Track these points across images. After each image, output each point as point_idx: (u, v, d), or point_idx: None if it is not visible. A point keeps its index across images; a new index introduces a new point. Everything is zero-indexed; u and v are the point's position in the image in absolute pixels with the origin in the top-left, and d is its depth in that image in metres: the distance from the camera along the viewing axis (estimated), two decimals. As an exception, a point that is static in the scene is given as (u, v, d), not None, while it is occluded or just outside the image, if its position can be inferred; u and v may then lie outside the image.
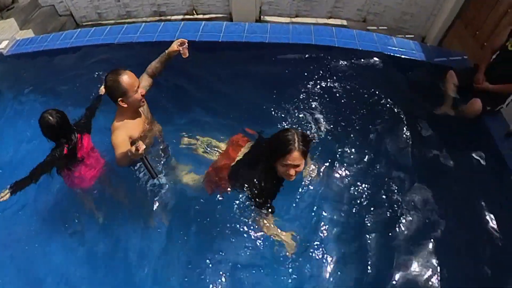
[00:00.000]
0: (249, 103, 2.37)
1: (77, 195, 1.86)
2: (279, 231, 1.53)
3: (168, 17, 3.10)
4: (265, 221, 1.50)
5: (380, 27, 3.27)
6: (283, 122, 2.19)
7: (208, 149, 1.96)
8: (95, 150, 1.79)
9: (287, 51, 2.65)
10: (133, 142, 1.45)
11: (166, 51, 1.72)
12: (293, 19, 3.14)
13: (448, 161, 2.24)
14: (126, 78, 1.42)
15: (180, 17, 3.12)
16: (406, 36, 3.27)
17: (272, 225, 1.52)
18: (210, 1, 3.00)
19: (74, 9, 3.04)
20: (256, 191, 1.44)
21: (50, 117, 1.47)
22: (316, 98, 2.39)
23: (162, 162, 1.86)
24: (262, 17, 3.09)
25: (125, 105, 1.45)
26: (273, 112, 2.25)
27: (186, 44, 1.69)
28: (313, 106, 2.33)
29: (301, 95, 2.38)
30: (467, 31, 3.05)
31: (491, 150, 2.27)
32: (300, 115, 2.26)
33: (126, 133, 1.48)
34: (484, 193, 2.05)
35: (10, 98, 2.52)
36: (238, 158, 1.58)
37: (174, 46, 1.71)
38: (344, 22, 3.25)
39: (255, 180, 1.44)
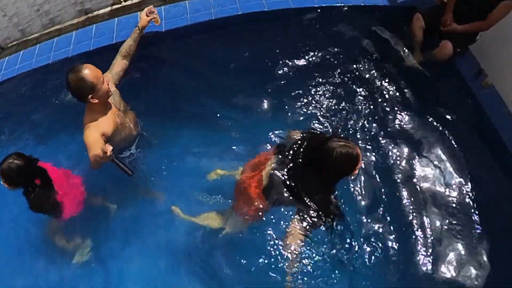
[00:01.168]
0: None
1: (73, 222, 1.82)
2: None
3: (95, 13, 2.75)
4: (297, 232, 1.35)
5: None
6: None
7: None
8: (67, 172, 1.74)
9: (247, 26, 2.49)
10: (106, 141, 1.45)
11: (138, 25, 1.74)
12: None
13: (424, 104, 2.29)
14: (88, 72, 1.36)
15: (108, 9, 2.77)
16: None
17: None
18: None
19: None
20: (322, 208, 1.32)
21: (15, 161, 1.41)
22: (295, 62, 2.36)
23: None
24: None
25: (96, 101, 1.41)
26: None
27: (155, 10, 1.73)
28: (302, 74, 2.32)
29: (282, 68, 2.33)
30: None
31: (464, 85, 2.31)
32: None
33: (97, 130, 1.45)
34: (460, 128, 2.15)
35: None
36: (264, 180, 1.41)
37: (144, 17, 1.74)
38: None
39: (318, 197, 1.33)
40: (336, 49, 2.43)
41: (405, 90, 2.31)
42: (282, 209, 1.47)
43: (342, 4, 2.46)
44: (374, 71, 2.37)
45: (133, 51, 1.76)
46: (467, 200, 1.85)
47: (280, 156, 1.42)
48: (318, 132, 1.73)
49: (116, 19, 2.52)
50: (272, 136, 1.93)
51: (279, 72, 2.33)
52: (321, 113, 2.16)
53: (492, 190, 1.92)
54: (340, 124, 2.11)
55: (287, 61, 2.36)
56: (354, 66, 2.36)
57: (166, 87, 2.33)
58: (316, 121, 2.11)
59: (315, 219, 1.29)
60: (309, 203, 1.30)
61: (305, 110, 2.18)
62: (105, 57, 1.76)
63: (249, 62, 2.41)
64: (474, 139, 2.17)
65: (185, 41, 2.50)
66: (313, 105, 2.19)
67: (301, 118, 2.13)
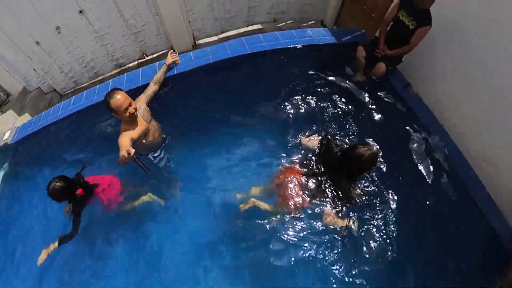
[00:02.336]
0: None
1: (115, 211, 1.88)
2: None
3: (127, 66, 3.02)
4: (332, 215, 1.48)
5: (287, 22, 3.23)
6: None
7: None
8: (111, 178, 1.82)
9: (232, 66, 2.56)
10: (133, 144, 1.54)
11: (165, 63, 2.04)
12: (220, 36, 3.08)
13: (367, 108, 2.39)
14: (115, 101, 1.49)
15: (135, 63, 3.03)
16: (309, 23, 3.24)
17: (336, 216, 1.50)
18: (154, 42, 2.90)
19: (55, 84, 2.94)
20: (348, 198, 1.46)
21: (57, 183, 1.50)
22: (270, 91, 2.43)
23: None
24: (196, 42, 3.02)
25: (118, 117, 1.57)
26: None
27: (177, 53, 2.04)
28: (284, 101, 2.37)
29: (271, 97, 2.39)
30: (356, 8, 2.99)
31: (396, 95, 2.46)
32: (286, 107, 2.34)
33: (127, 136, 1.54)
34: (395, 124, 2.30)
35: (24, 177, 2.43)
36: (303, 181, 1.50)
37: (169, 57, 2.05)
38: (260, 26, 3.19)
39: (345, 190, 1.46)
40: (307, 75, 2.55)
41: (355, 98, 2.44)
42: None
43: (314, 43, 2.60)
44: (334, 86, 2.50)
45: (162, 80, 1.94)
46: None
47: (308, 167, 1.54)
48: (330, 139, 1.69)
49: (141, 69, 2.64)
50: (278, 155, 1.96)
51: (279, 95, 2.41)
52: (308, 121, 2.23)
53: (419, 174, 2.06)
54: (324, 126, 2.21)
55: (278, 88, 2.44)
56: (322, 82, 2.51)
57: (188, 110, 2.38)
58: (308, 128, 2.18)
59: (343, 205, 1.46)
60: (338, 195, 1.45)
61: (298, 119, 2.26)
62: (134, 96, 1.81)
63: (250, 90, 2.50)
64: (406, 131, 2.31)
65: (191, 78, 2.54)
66: (301, 117, 2.27)
67: (297, 125, 2.21)
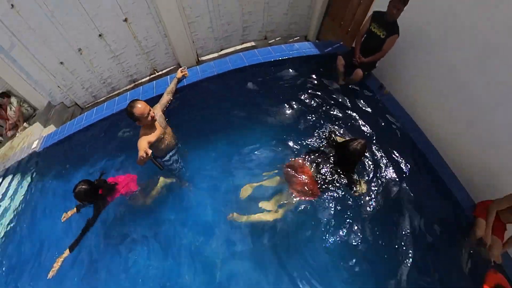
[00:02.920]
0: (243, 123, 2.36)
1: (130, 200, 1.88)
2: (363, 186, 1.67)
3: (139, 81, 3.12)
4: (359, 187, 1.62)
5: (276, 39, 3.42)
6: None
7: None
8: (129, 176, 1.86)
9: (233, 77, 2.63)
10: (150, 146, 1.58)
11: (176, 76, 2.13)
12: (220, 53, 3.24)
13: (347, 106, 2.53)
14: (137, 109, 1.54)
15: (147, 78, 3.13)
16: (294, 38, 3.41)
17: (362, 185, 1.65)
18: (163, 60, 3.02)
19: (77, 99, 3.01)
20: (351, 180, 1.60)
21: (82, 186, 1.53)
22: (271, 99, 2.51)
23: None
24: (199, 58, 3.17)
25: (141, 124, 1.63)
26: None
27: (185, 67, 2.14)
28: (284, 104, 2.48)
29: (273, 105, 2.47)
30: (334, 23, 3.17)
31: (372, 95, 2.63)
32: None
33: (146, 140, 1.60)
34: (373, 119, 2.45)
35: (51, 182, 2.42)
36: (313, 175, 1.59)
37: (179, 72, 2.15)
38: (253, 43, 3.35)
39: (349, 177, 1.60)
40: (297, 82, 2.68)
41: (339, 100, 2.59)
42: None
43: (301, 55, 2.71)
44: (320, 91, 2.63)
45: (174, 91, 2.05)
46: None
47: (312, 157, 1.66)
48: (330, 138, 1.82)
49: (154, 82, 2.69)
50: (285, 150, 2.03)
51: (281, 103, 2.49)
52: (302, 120, 2.36)
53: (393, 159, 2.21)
54: (316, 124, 2.33)
55: (277, 96, 2.53)
56: (311, 88, 2.65)
57: (196, 115, 2.44)
58: (304, 125, 2.32)
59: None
60: (343, 182, 1.58)
61: (294, 119, 2.37)
62: (149, 105, 1.82)
63: (250, 97, 2.56)
64: (383, 125, 2.48)
65: (198, 89, 2.58)
66: (296, 117, 2.39)
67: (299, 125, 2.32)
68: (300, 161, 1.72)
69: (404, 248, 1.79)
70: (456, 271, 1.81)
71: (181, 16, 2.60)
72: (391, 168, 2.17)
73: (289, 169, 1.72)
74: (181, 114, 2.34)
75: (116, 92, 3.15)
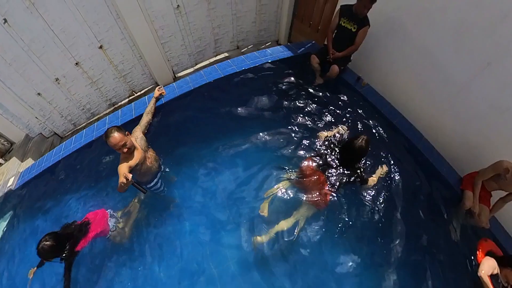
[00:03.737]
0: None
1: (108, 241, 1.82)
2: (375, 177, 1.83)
3: (119, 104, 3.28)
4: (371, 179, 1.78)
5: (248, 47, 3.69)
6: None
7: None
8: (101, 212, 1.80)
9: (210, 89, 2.75)
10: (132, 170, 1.59)
11: (153, 96, 2.24)
12: (195, 67, 3.47)
13: (329, 103, 2.65)
14: (111, 139, 1.56)
15: (126, 100, 3.30)
16: (266, 44, 3.68)
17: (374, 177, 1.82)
18: (140, 80, 3.23)
19: (56, 128, 3.12)
20: (361, 176, 1.73)
21: (46, 242, 1.41)
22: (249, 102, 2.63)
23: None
24: (176, 75, 3.38)
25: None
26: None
27: (162, 86, 2.24)
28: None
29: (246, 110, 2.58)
30: (304, 24, 3.44)
31: (351, 89, 2.76)
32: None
33: (126, 165, 1.60)
34: (354, 110, 2.57)
35: (26, 220, 2.33)
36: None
37: (156, 91, 2.24)
38: (226, 54, 3.61)
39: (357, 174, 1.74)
40: (276, 87, 2.80)
41: (319, 98, 2.71)
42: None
43: (275, 59, 2.89)
44: (300, 91, 2.77)
45: (153, 111, 2.12)
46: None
47: (318, 161, 1.80)
48: (333, 135, 2.00)
49: (132, 103, 2.76)
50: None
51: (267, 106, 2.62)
52: (287, 122, 2.47)
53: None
54: (301, 123, 2.44)
55: (262, 101, 2.66)
56: (290, 90, 2.78)
57: (177, 137, 2.47)
58: (290, 126, 2.41)
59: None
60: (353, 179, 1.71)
61: (277, 122, 2.47)
62: (129, 128, 1.89)
63: (230, 107, 2.63)
64: (366, 116, 2.57)
65: (177, 105, 2.67)
66: (281, 120, 2.50)
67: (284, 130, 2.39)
68: (306, 166, 1.83)
69: (399, 227, 1.89)
70: (449, 242, 1.99)
71: (154, 38, 2.86)
72: (379, 156, 2.21)
73: (301, 176, 1.82)
74: (162, 133, 2.39)
75: (96, 117, 3.28)
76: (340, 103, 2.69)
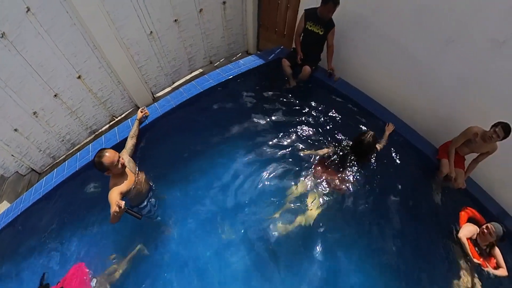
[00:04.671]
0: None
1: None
2: None
3: (99, 131, 3.47)
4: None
5: (221, 61, 4.14)
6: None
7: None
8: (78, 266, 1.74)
9: (192, 105, 2.90)
10: (124, 195, 1.62)
11: (137, 119, 2.29)
12: (172, 86, 3.83)
13: (303, 99, 2.99)
14: (106, 158, 1.61)
15: (107, 126, 3.51)
16: (237, 56, 4.14)
17: None
18: (120, 105, 3.48)
19: (33, 164, 3.19)
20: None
21: None
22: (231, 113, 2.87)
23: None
24: (154, 95, 3.71)
25: (111, 174, 1.69)
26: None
27: (145, 107, 2.29)
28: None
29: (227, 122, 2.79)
30: (269, 32, 3.93)
31: (325, 86, 3.11)
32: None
33: (117, 191, 1.62)
34: (331, 104, 2.92)
35: (6, 268, 2.21)
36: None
37: (139, 113, 2.29)
38: (200, 70, 4.02)
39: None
40: (253, 95, 3.10)
41: (295, 100, 3.04)
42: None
43: (248, 69, 3.16)
44: (277, 96, 3.10)
45: (137, 133, 2.21)
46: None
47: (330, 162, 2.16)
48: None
49: (115, 128, 2.77)
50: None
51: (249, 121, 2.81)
52: (272, 128, 2.72)
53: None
54: (282, 129, 2.71)
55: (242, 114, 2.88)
56: (268, 96, 3.10)
57: (164, 155, 2.58)
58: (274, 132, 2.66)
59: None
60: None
61: (262, 129, 2.72)
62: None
63: (212, 121, 2.84)
64: (343, 109, 2.91)
65: (160, 125, 2.77)
66: (264, 127, 2.75)
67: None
68: (319, 169, 2.16)
69: (386, 201, 2.22)
70: (432, 209, 2.29)
71: (131, 63, 3.21)
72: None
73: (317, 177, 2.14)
74: (150, 154, 2.51)
75: (76, 147, 3.42)
76: (317, 100, 3.04)
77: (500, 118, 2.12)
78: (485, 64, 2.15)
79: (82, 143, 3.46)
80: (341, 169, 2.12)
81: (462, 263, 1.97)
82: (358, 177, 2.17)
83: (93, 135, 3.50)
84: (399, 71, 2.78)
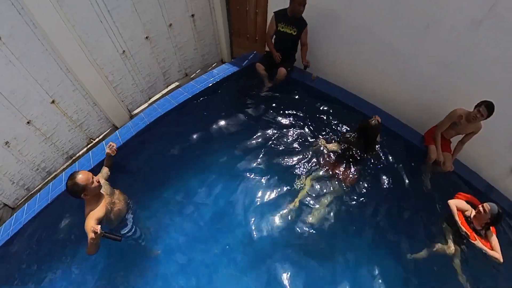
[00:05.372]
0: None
1: None
2: None
3: (77, 155, 3.57)
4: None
5: (196, 72, 4.46)
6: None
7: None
8: None
9: (169, 119, 3.04)
10: (101, 222, 1.65)
11: (106, 153, 2.25)
12: (149, 102, 4.08)
13: (282, 102, 3.24)
14: (81, 177, 1.64)
15: (85, 149, 3.62)
16: (212, 66, 4.46)
17: None
18: (97, 126, 3.64)
19: (5, 199, 3.19)
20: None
21: None
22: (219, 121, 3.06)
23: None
24: (132, 113, 3.92)
25: (88, 196, 1.70)
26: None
27: (113, 146, 2.19)
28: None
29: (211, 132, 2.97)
30: (242, 39, 4.30)
31: (304, 86, 3.36)
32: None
33: (93, 217, 1.64)
34: (311, 103, 3.19)
35: None
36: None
37: (107, 150, 2.21)
38: (177, 83, 4.30)
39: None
40: (230, 103, 3.31)
41: (275, 100, 3.29)
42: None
43: (223, 77, 3.37)
44: (257, 101, 3.32)
45: (110, 164, 2.26)
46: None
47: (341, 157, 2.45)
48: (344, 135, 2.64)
49: (90, 152, 2.80)
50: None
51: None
52: (251, 131, 2.92)
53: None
54: (266, 129, 2.95)
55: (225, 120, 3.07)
56: (245, 104, 3.32)
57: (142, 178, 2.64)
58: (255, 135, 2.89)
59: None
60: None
61: (241, 136, 2.88)
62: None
63: (192, 134, 2.96)
64: (321, 105, 3.17)
65: (135, 144, 2.84)
66: (243, 132, 2.94)
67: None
68: (327, 161, 2.43)
69: (379, 189, 2.47)
70: (424, 194, 2.53)
71: (106, 83, 3.44)
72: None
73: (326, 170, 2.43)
74: (128, 176, 2.58)
75: (52, 175, 3.47)
76: (296, 101, 3.29)
77: (482, 98, 2.25)
78: (466, 45, 2.27)
79: (59, 170, 3.51)
80: (345, 161, 2.39)
81: (449, 233, 2.14)
82: (365, 167, 2.44)
83: (70, 160, 3.58)
84: (378, 62, 2.95)
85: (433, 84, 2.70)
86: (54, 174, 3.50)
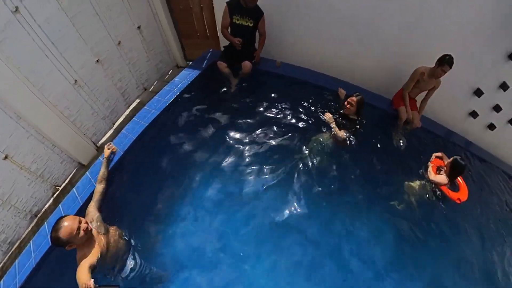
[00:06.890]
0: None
1: None
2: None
3: (43, 210, 3.52)
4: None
5: (154, 84, 4.92)
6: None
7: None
8: None
9: (145, 139, 3.27)
10: (96, 267, 1.72)
11: (105, 157, 2.50)
12: (114, 127, 4.33)
13: (258, 95, 3.79)
14: (64, 230, 1.68)
15: (51, 200, 3.61)
16: (169, 73, 4.94)
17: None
18: (61, 170, 3.68)
19: None
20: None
21: None
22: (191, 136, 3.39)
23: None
24: (97, 144, 4.10)
25: (74, 246, 1.77)
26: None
27: (111, 144, 2.42)
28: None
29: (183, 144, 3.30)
30: (192, 38, 4.82)
31: (271, 75, 4.02)
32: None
33: (85, 266, 1.68)
34: (282, 89, 3.89)
35: None
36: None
37: (106, 150, 2.47)
38: (138, 100, 4.67)
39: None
40: (205, 105, 3.69)
41: (246, 92, 3.83)
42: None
43: (187, 84, 3.72)
44: (227, 101, 3.78)
45: (106, 176, 2.36)
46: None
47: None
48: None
49: (74, 189, 2.78)
50: None
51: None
52: (228, 135, 3.37)
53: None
54: (239, 127, 3.47)
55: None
56: (216, 105, 3.74)
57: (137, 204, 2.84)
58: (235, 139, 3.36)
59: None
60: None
61: (221, 145, 3.28)
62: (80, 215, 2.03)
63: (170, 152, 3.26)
64: (293, 89, 3.87)
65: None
66: (220, 139, 3.33)
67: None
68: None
69: (359, 154, 3.29)
70: (398, 154, 3.46)
71: (63, 120, 3.57)
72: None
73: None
74: (114, 206, 2.66)
75: (16, 246, 3.33)
76: (268, 91, 3.89)
77: (442, 53, 2.81)
78: (425, 4, 2.73)
79: (22, 237, 3.42)
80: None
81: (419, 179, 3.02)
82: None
83: (36, 219, 3.53)
84: (339, 36, 3.47)
85: (395, 48, 3.28)
86: (18, 243, 3.36)
